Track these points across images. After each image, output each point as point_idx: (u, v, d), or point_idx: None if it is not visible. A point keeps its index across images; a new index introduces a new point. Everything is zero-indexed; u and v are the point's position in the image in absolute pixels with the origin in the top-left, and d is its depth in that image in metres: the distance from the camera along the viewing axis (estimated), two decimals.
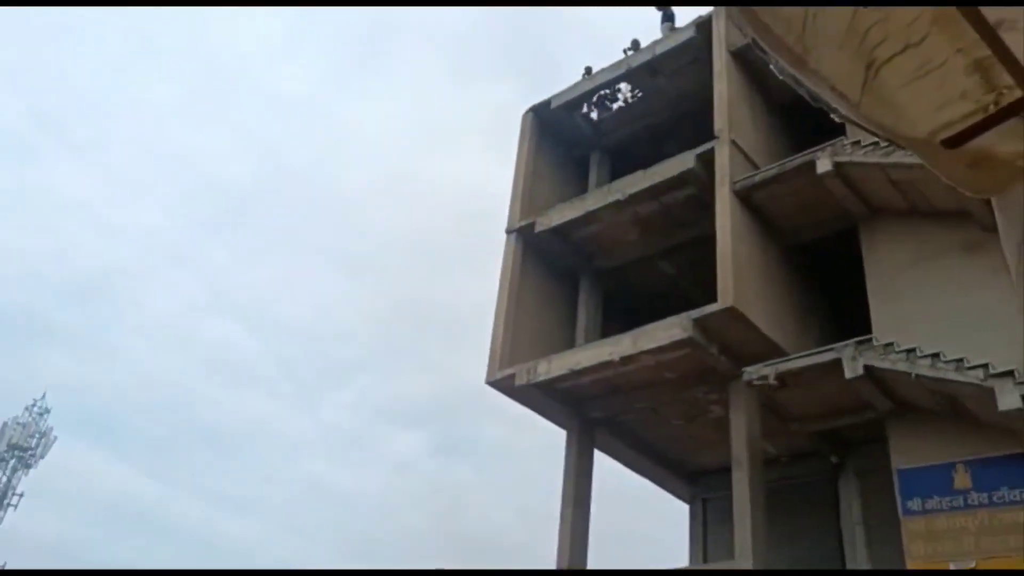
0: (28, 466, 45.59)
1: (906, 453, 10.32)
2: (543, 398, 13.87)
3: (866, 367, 10.13)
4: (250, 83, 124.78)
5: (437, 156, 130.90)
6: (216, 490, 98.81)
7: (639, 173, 13.99)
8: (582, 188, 16.34)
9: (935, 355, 9.62)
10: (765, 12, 1.52)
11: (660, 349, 12.17)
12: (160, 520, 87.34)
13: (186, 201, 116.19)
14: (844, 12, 1.54)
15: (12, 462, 45.16)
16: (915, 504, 9.88)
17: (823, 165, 11.91)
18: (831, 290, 14.16)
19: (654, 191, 13.75)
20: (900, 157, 10.82)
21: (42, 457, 46.29)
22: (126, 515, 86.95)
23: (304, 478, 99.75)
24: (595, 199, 14.64)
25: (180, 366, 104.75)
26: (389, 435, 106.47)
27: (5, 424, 45.82)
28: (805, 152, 12.40)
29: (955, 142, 1.71)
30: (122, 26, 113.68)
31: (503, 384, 13.80)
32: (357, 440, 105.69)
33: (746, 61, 14.06)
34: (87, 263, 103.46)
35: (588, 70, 16.62)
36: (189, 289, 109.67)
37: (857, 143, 11.62)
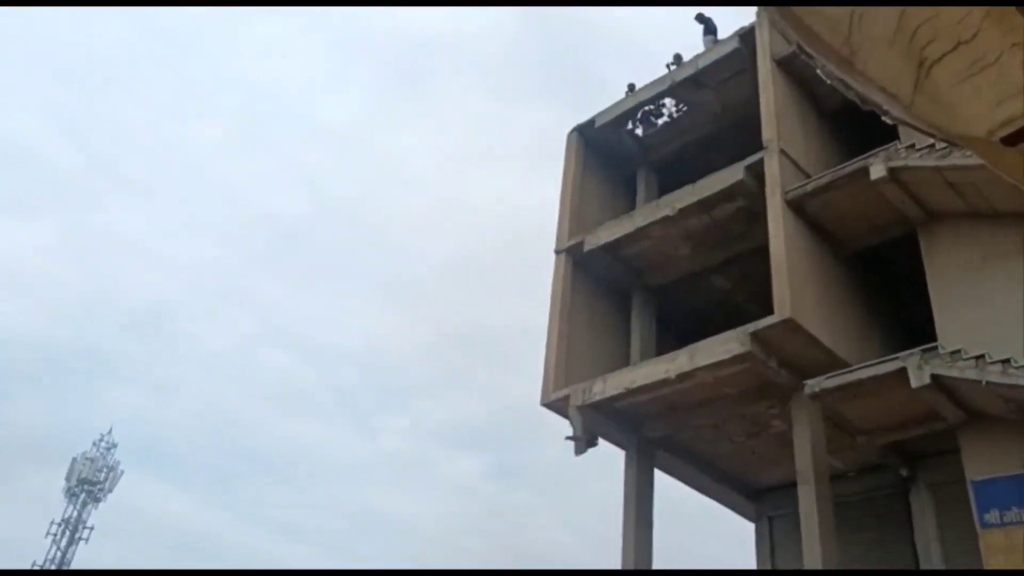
0: (97, 500, 46.76)
1: (980, 464, 9.95)
2: (599, 418, 13.76)
3: (933, 376, 9.81)
4: (294, 115, 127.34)
5: (482, 179, 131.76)
6: (277, 518, 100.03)
7: (688, 187, 13.88)
8: (630, 205, 16.26)
9: (1006, 361, 9.28)
10: (808, 14, 1.49)
11: (718, 364, 11.98)
12: (224, 549, 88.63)
13: (237, 234, 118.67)
14: (891, 11, 1.50)
15: (82, 496, 46.38)
16: (993, 516, 9.50)
17: (877, 171, 11.67)
18: (892, 298, 13.82)
19: (704, 205, 13.62)
20: (957, 159, 10.55)
21: (110, 491, 47.44)
22: (190, 545, 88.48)
23: (364, 505, 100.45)
24: (644, 215, 14.55)
25: (238, 397, 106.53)
26: (447, 460, 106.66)
27: (74, 459, 47.13)
28: (858, 158, 12.17)
29: (1015, 139, 1.64)
30: (169, 65, 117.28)
31: (558, 405, 13.72)
32: (415, 466, 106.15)
33: (792, 69, 13.89)
34: (144, 299, 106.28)
35: (631, 87, 16.60)
36: (244, 321, 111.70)
37: (912, 146, 11.36)
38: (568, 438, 12.33)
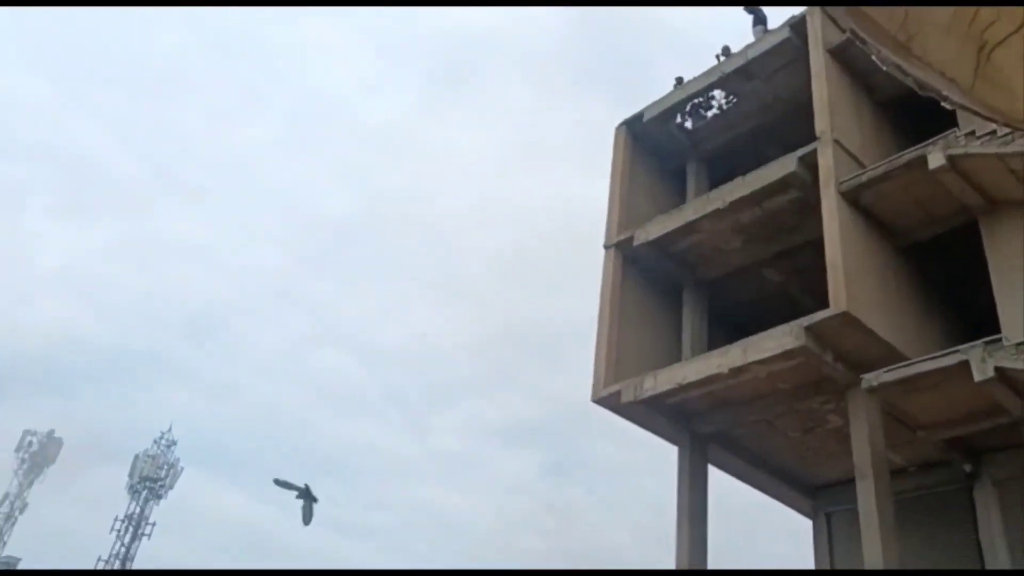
0: (159, 496, 48.03)
1: None
2: (651, 414, 13.67)
3: (997, 368, 9.53)
4: (342, 116, 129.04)
5: (529, 176, 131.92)
6: (333, 516, 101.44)
7: (739, 180, 13.69)
8: (680, 199, 16.11)
9: None
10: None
11: (771, 359, 11.80)
12: (281, 546, 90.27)
13: (290, 236, 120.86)
14: None
15: (144, 493, 47.65)
16: None
17: (935, 159, 11.37)
18: (952, 289, 13.46)
19: (756, 197, 13.42)
20: (1020, 146, 10.24)
21: (171, 487, 48.70)
22: (250, 542, 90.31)
23: (417, 502, 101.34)
24: (694, 209, 14.40)
25: (292, 396, 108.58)
26: (499, 457, 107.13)
27: (136, 457, 48.48)
28: (915, 147, 11.87)
29: None
30: (218, 69, 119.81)
31: (609, 401, 13.67)
32: (467, 463, 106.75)
33: (845, 58, 13.61)
34: (199, 302, 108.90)
35: (679, 80, 16.43)
36: (297, 322, 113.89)
37: (971, 133, 11.04)
38: (298, 496, 12.08)
